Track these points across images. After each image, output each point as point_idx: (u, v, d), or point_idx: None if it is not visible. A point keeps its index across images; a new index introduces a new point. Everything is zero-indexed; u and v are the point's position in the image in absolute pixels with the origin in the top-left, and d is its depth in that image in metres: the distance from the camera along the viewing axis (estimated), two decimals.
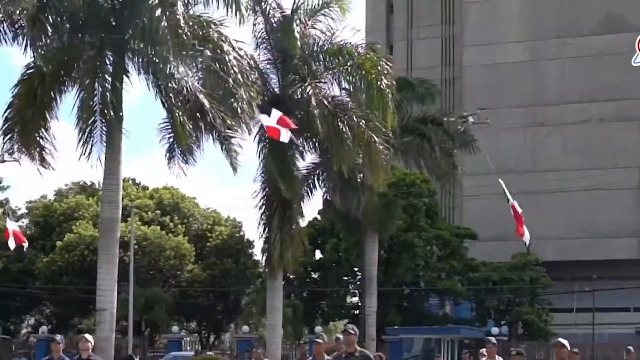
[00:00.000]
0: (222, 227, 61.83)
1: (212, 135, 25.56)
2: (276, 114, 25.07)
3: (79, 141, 23.72)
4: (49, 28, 23.23)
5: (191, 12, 24.99)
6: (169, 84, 24.22)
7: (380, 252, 43.78)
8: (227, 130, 25.31)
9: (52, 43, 23.72)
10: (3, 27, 23.61)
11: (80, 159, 23.78)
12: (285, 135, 25.06)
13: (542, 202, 59.81)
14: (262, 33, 29.94)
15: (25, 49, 23.14)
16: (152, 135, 26.18)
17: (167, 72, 23.81)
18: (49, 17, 23.30)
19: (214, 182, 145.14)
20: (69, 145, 25.34)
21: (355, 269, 53.17)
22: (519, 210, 32.06)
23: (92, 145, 23.72)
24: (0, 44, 23.88)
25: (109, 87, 23.78)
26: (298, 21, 29.55)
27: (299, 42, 29.22)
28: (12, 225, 36.58)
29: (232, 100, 24.34)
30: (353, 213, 35.12)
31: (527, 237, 32.26)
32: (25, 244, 37.31)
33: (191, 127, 24.47)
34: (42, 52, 23.17)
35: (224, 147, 25.66)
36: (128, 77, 24.46)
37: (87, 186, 64.84)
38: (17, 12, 23.24)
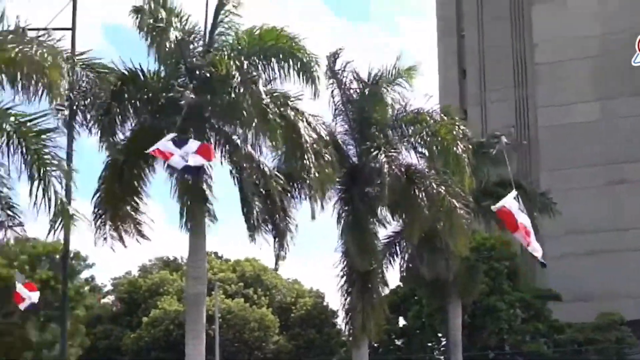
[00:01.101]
0: (305, 298, 62.08)
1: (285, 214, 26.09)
2: (194, 144, 23.05)
3: (166, 218, 24.44)
4: (129, 111, 24.07)
5: (268, 87, 25.60)
6: (246, 163, 24.85)
7: (464, 317, 43.62)
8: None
9: (128, 129, 24.63)
10: (79, 118, 24.42)
11: (165, 235, 24.46)
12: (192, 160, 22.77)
13: (624, 261, 59.22)
14: (339, 104, 30.46)
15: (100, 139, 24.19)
16: (230, 206, 26.74)
17: (244, 151, 24.50)
18: (127, 104, 24.16)
19: (294, 252, 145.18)
20: (152, 222, 26.01)
21: (439, 335, 53.01)
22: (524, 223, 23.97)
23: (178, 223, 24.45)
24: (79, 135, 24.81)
25: None
26: (374, 90, 30.06)
27: (388, 109, 29.75)
28: (20, 279, 34.60)
29: (307, 180, 24.91)
30: (436, 279, 35.20)
31: (537, 250, 24.36)
32: (36, 294, 34.92)
33: (266, 205, 25.06)
34: (113, 142, 24.01)
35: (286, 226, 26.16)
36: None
37: (171, 261, 65.73)
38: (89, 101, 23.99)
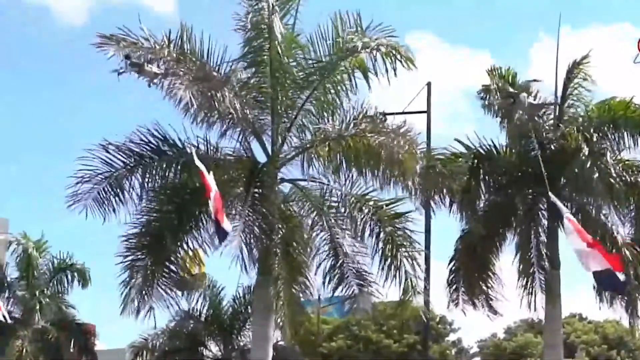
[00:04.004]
0: None
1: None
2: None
3: (521, 287, 25.24)
4: (483, 187, 25.17)
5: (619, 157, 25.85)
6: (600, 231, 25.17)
7: None
8: None
9: (481, 204, 25.68)
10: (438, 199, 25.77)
11: (522, 303, 25.26)
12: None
13: None
14: None
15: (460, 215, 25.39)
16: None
17: (600, 221, 24.85)
18: (481, 180, 25.27)
19: None
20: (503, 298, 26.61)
21: None
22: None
23: (532, 294, 25.10)
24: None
25: (544, 238, 25.19)
26: None
27: None
28: None
29: None
30: None
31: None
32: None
33: None
34: (472, 217, 25.10)
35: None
36: (562, 226, 25.66)
37: (535, 323, 65.60)
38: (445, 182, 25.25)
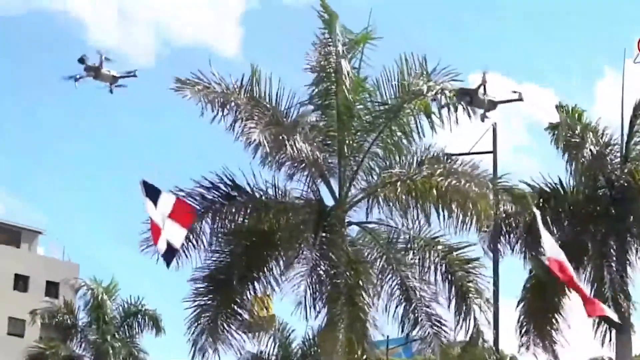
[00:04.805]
0: None
1: None
2: (168, 199, 18.29)
3: (593, 324, 25.17)
4: (550, 226, 25.09)
5: None
6: None
7: None
8: None
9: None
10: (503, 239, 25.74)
11: (596, 337, 25.41)
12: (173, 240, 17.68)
13: None
14: None
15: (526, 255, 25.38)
16: None
17: None
18: (548, 219, 25.24)
19: None
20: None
21: None
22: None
23: (604, 331, 25.08)
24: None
25: (615, 275, 25.06)
26: None
27: None
28: None
29: None
30: None
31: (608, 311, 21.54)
32: None
33: None
34: (537, 259, 24.94)
35: None
36: (630, 265, 25.54)
37: None
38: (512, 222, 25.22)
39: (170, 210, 17.95)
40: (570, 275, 19.78)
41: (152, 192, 17.77)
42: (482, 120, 26.17)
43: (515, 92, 25.18)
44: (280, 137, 21.21)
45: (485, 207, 21.34)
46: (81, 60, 21.19)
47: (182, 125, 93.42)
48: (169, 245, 17.63)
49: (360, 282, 22.42)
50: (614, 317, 21.53)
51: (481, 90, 23.26)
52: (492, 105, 23.18)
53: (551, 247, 19.87)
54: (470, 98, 23.12)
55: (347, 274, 22.14)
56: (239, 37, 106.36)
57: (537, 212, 21.13)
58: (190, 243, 22.46)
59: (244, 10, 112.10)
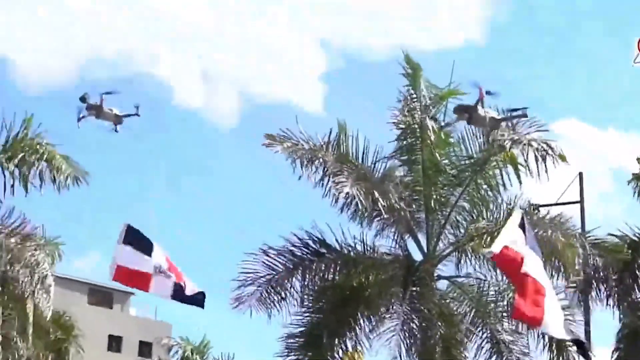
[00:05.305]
0: None
1: None
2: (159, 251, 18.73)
3: None
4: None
5: None
6: None
7: None
8: None
9: None
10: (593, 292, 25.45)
11: None
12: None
13: None
14: None
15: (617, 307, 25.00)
16: None
17: None
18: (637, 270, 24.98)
19: None
20: None
21: None
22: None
23: None
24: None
25: None
26: None
27: None
28: None
29: None
30: None
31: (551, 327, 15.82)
32: None
33: None
34: (628, 310, 24.72)
35: None
36: None
37: None
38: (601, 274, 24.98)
39: (167, 265, 18.71)
40: (522, 271, 14.82)
41: (138, 239, 18.38)
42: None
43: (518, 109, 24.31)
44: (371, 192, 21.43)
45: (572, 258, 21.21)
46: (82, 99, 21.32)
47: (269, 182, 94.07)
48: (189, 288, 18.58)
49: (453, 335, 22.40)
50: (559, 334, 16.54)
51: (480, 106, 22.66)
52: (495, 123, 22.59)
53: (516, 241, 14.96)
54: (469, 115, 22.75)
55: (440, 324, 22.15)
56: (321, 93, 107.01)
57: (520, 211, 16.62)
58: (279, 298, 22.72)
59: (325, 69, 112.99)
